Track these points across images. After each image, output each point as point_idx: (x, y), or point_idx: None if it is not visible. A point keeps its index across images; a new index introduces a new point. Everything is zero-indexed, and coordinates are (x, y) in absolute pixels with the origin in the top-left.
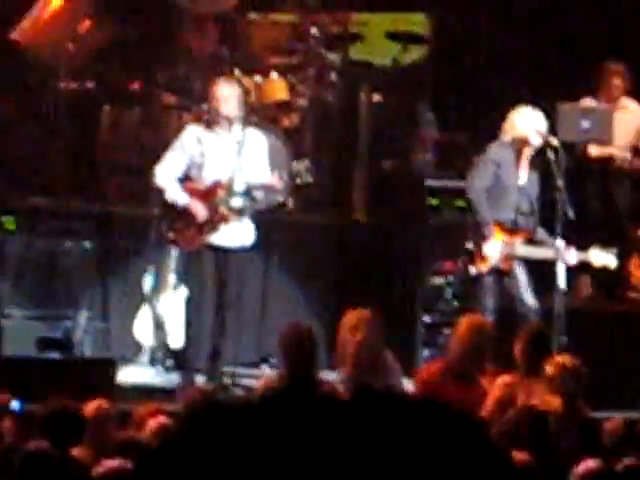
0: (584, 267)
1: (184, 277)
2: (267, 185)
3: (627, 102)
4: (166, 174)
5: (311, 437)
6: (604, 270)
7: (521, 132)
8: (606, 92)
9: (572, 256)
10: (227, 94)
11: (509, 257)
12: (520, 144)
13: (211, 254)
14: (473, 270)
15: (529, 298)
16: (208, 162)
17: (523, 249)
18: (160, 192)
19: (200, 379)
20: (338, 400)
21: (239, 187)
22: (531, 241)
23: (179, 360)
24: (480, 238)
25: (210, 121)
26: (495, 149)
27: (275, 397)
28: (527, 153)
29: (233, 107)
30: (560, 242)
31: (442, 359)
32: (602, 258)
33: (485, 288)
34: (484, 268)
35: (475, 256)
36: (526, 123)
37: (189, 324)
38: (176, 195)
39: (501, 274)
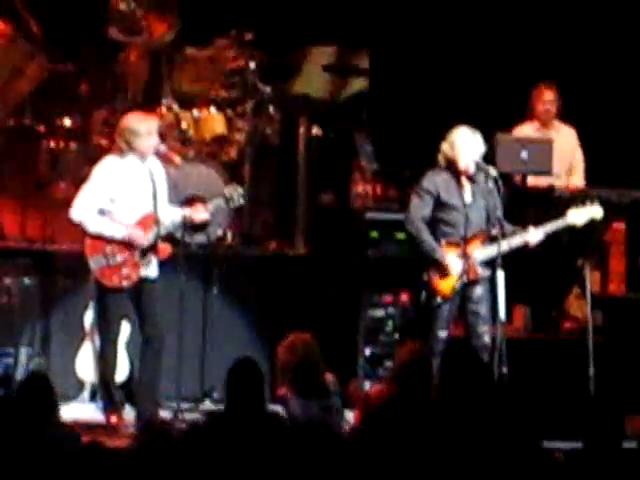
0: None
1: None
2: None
3: (559, 125)
4: (88, 208)
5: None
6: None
7: (453, 156)
8: (541, 114)
9: (533, 235)
10: (144, 129)
11: (470, 268)
12: (454, 166)
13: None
14: (437, 300)
15: (485, 334)
16: (127, 194)
17: (481, 252)
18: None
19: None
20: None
21: (173, 218)
22: (490, 240)
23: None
24: (434, 266)
25: (127, 153)
26: (429, 177)
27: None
28: (461, 173)
29: (152, 141)
30: (512, 228)
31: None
32: (584, 214)
33: (440, 319)
34: (446, 295)
35: (432, 287)
36: (460, 148)
37: (131, 359)
38: (110, 228)
39: (462, 303)
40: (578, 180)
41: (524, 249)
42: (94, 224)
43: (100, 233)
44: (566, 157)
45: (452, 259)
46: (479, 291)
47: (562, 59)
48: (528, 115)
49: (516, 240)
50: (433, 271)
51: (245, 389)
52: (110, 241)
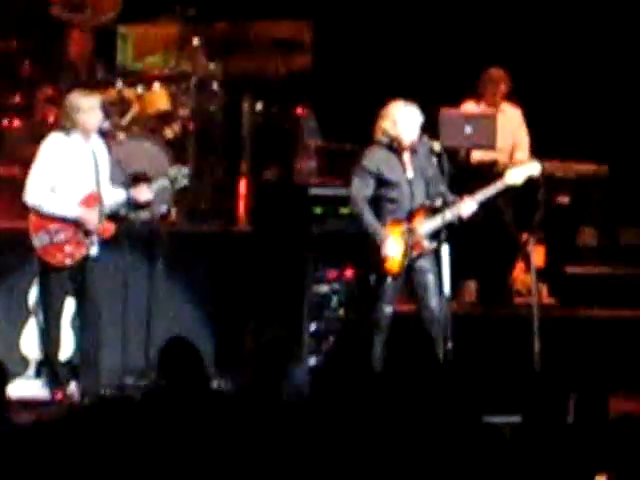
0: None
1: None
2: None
3: (505, 106)
4: (42, 190)
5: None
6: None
7: (397, 133)
8: (490, 97)
9: (466, 206)
10: (87, 105)
11: (416, 242)
12: (397, 143)
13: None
14: (387, 279)
15: (434, 304)
16: (72, 172)
17: (425, 226)
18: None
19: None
20: None
21: (116, 197)
22: (433, 211)
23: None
24: (376, 247)
25: (70, 130)
26: (368, 155)
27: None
28: (405, 149)
29: (95, 118)
30: (454, 199)
31: None
32: (522, 172)
33: (386, 295)
34: (395, 273)
35: (380, 267)
36: (403, 124)
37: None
38: (63, 209)
39: (409, 277)
40: (522, 156)
41: (465, 222)
42: (49, 205)
43: (54, 214)
44: (510, 136)
45: (389, 243)
46: (423, 263)
47: (506, 36)
48: (476, 95)
49: (450, 212)
50: (378, 252)
51: (180, 368)
52: (54, 219)
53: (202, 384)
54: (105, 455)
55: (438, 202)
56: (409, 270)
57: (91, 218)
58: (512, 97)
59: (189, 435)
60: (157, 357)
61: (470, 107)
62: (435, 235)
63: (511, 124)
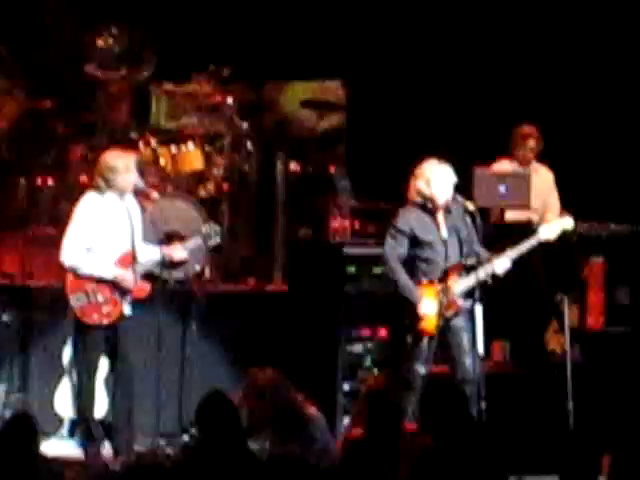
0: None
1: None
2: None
3: (537, 165)
4: (78, 252)
5: None
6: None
7: (431, 193)
8: (520, 153)
9: (499, 263)
10: (123, 166)
11: (450, 301)
12: (431, 203)
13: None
14: (424, 340)
15: (468, 363)
16: (107, 232)
17: (459, 285)
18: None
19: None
20: None
21: (151, 256)
22: (467, 269)
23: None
24: (411, 307)
25: (106, 190)
26: (402, 216)
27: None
28: (439, 209)
29: (131, 178)
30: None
31: None
32: (556, 227)
33: (420, 354)
34: (431, 333)
35: (416, 328)
36: (437, 184)
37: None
38: (100, 270)
39: (443, 336)
40: (552, 219)
41: (499, 280)
42: (86, 267)
43: (91, 275)
44: (542, 197)
45: (425, 302)
46: (459, 322)
47: (539, 94)
48: (508, 152)
49: (484, 270)
50: (413, 312)
51: (218, 422)
52: (91, 279)
53: (239, 440)
54: None
55: (472, 260)
56: (444, 329)
57: (127, 278)
58: (544, 160)
59: None
60: (195, 411)
61: (504, 165)
62: (469, 294)
63: (544, 185)
